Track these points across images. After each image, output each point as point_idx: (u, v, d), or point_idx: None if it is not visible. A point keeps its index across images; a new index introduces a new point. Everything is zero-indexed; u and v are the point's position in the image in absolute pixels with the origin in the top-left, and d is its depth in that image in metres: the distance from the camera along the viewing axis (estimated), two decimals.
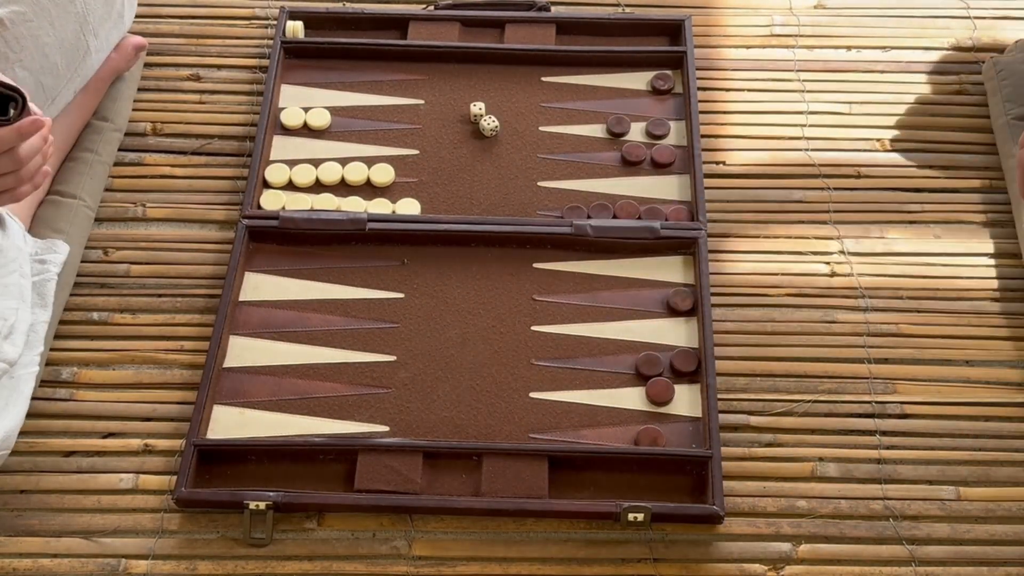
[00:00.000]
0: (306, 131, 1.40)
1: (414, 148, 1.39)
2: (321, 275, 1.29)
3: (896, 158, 1.41)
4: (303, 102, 1.42)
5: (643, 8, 1.55)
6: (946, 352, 1.25)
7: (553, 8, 1.52)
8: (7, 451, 1.11)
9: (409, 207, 1.32)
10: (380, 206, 1.33)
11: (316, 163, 1.36)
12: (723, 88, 1.47)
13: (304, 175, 1.35)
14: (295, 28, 1.46)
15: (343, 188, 1.35)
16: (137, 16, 1.45)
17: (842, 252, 1.32)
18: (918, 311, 1.28)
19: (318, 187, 1.35)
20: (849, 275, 1.30)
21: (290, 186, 1.35)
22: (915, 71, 1.49)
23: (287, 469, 1.15)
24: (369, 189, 1.35)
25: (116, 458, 1.17)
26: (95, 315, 1.26)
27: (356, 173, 1.35)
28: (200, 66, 1.48)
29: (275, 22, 1.51)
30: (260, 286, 1.28)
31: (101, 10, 1.28)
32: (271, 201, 1.33)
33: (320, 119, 1.40)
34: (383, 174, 1.35)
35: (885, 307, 1.28)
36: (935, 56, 1.50)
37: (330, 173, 1.35)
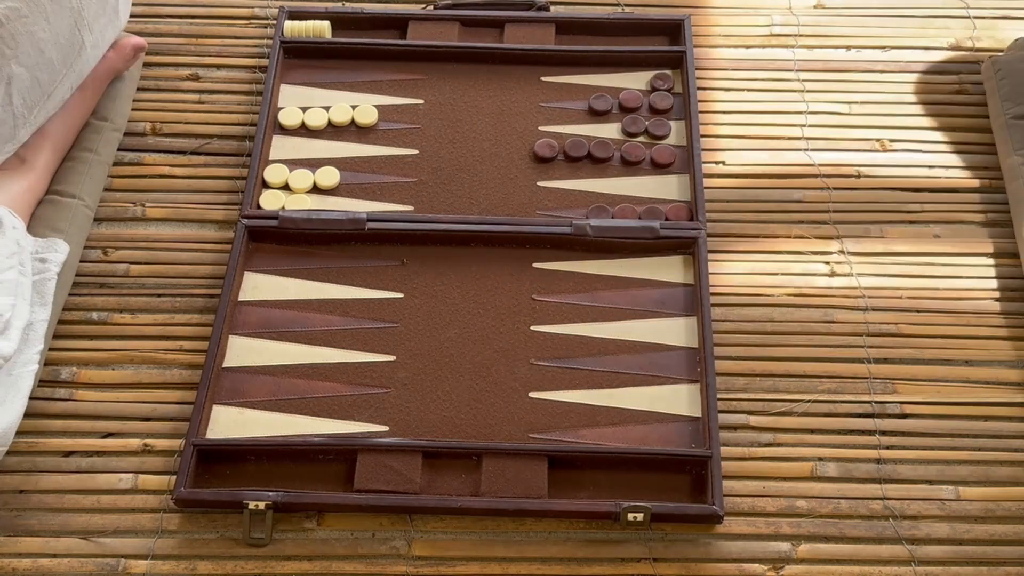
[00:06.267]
0: (304, 131, 1.40)
1: (413, 148, 1.39)
2: (320, 275, 1.29)
3: (896, 158, 1.40)
4: (302, 102, 1.42)
5: (643, 8, 1.55)
6: (946, 352, 1.25)
7: (553, 8, 1.52)
8: (4, 447, 1.11)
9: (301, 202, 1.33)
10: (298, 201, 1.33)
11: (314, 164, 1.36)
12: (723, 88, 1.47)
13: (302, 180, 1.35)
14: (322, 28, 1.45)
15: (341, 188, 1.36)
16: (137, 16, 1.45)
17: (842, 252, 1.32)
18: (918, 311, 1.28)
19: (316, 191, 1.35)
20: (849, 275, 1.30)
21: (287, 189, 1.35)
22: (915, 71, 1.49)
23: (287, 469, 1.15)
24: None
25: (115, 458, 1.17)
26: (94, 315, 1.26)
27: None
28: (199, 66, 1.48)
29: (275, 22, 1.51)
30: (259, 286, 1.28)
31: (96, 5, 1.28)
32: (270, 201, 1.33)
33: (318, 119, 1.40)
34: (328, 177, 1.35)
35: (885, 307, 1.28)
36: (935, 56, 1.50)
37: (328, 177, 1.35)
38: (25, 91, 1.22)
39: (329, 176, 1.35)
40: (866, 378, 1.23)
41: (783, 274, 1.30)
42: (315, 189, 1.35)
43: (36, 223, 1.27)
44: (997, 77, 1.43)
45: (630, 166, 1.38)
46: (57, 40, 1.24)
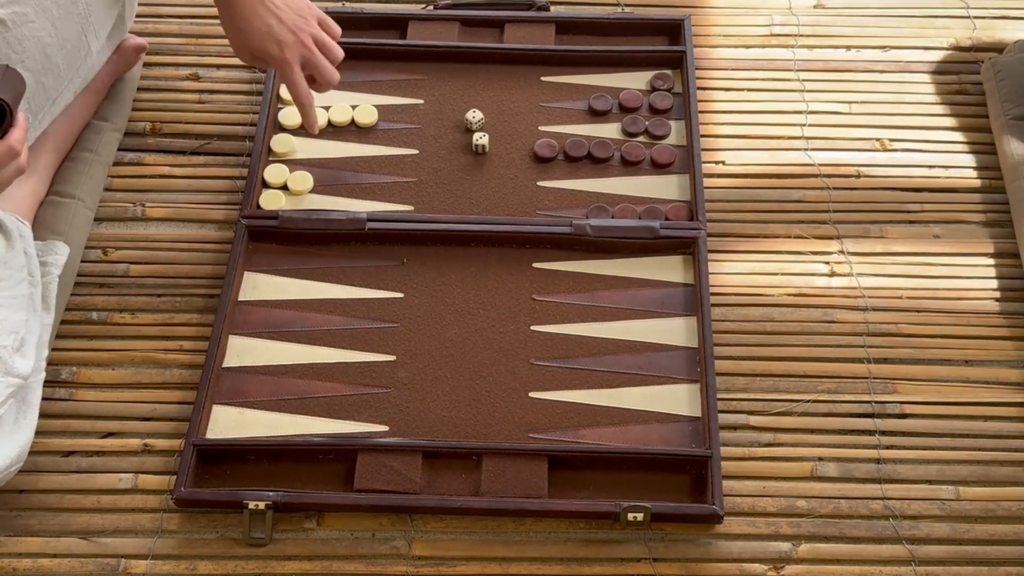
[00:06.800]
0: (304, 131, 1.40)
1: (413, 148, 1.39)
2: (320, 275, 1.29)
3: (896, 158, 1.41)
4: None
5: (643, 8, 1.55)
6: (945, 352, 1.25)
7: (553, 8, 1.52)
8: (20, 463, 1.11)
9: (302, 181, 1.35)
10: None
11: (314, 165, 1.36)
12: (723, 88, 1.47)
13: (301, 182, 1.35)
14: None
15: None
16: (137, 16, 1.45)
17: (842, 252, 1.32)
18: (917, 311, 1.28)
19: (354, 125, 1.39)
20: (849, 275, 1.30)
21: (286, 189, 1.35)
22: (915, 71, 1.49)
23: (286, 469, 1.15)
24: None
25: (115, 458, 1.17)
26: (95, 315, 1.26)
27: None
28: (199, 66, 1.48)
29: None
30: (259, 286, 1.28)
31: (103, 11, 1.28)
32: (270, 201, 1.33)
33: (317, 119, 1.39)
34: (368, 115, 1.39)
35: (885, 307, 1.28)
36: (935, 56, 1.50)
37: (367, 114, 1.38)
38: (30, 96, 1.21)
39: (368, 114, 1.38)
40: (866, 378, 1.23)
41: (783, 274, 1.31)
42: (353, 124, 1.39)
43: (36, 225, 1.27)
44: (997, 78, 1.43)
45: (630, 166, 1.38)
46: (64, 46, 1.23)
